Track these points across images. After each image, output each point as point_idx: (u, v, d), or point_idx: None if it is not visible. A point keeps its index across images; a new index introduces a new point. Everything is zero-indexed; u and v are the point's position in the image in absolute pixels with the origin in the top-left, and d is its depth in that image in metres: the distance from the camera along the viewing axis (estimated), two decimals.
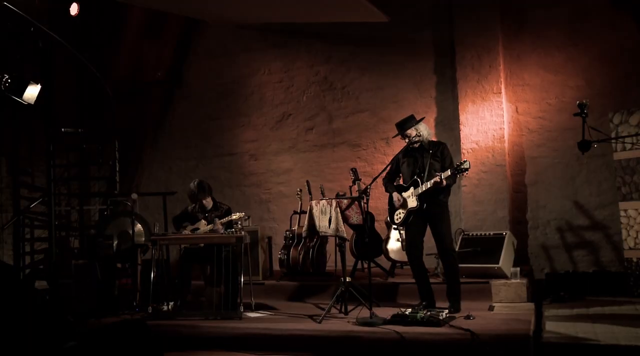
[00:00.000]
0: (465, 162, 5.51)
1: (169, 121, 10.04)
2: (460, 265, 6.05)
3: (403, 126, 5.91)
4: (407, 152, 5.93)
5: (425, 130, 5.89)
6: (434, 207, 5.73)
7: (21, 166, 8.66)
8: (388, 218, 6.90)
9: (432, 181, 5.59)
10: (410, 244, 5.89)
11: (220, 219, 6.57)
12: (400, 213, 5.89)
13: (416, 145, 5.84)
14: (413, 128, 5.87)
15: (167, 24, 9.46)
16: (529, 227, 7.77)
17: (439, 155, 5.82)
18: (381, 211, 8.17)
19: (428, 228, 5.88)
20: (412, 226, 5.85)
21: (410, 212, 5.79)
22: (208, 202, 6.75)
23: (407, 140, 5.87)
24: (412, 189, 5.80)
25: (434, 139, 5.99)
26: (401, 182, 6.06)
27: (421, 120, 5.97)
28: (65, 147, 8.88)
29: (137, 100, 9.55)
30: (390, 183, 6.10)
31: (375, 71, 8.80)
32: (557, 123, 7.71)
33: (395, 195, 5.93)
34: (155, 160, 10.08)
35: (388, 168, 6.03)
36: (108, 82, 8.58)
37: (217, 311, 6.12)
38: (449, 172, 5.56)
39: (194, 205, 6.86)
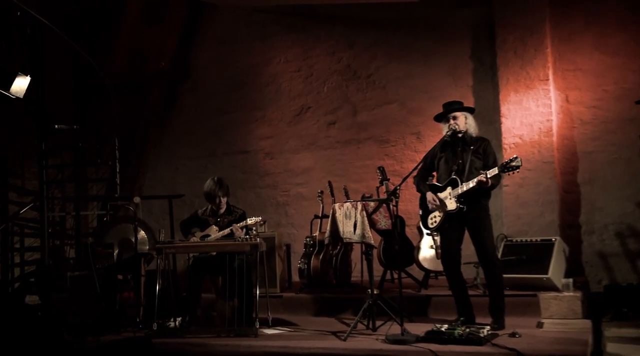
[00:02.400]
0: (515, 158, 5.39)
1: (175, 116, 10.08)
2: (504, 276, 5.94)
3: (452, 106, 5.83)
4: (446, 145, 5.83)
5: (473, 122, 5.81)
6: (475, 211, 5.63)
7: (9, 167, 8.72)
8: (420, 223, 6.80)
9: (476, 180, 5.48)
10: (447, 251, 5.80)
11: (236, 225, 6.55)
12: (435, 217, 5.79)
13: (459, 135, 5.74)
14: (462, 113, 5.79)
15: (171, 8, 9.47)
16: (583, 232, 7.63)
17: (482, 152, 5.70)
18: (412, 215, 8.10)
19: (466, 234, 5.79)
20: (449, 231, 5.76)
21: (447, 216, 5.70)
22: (223, 204, 6.74)
23: (448, 128, 5.77)
24: (449, 189, 5.70)
25: (476, 135, 5.85)
26: (434, 180, 5.97)
27: (473, 110, 5.89)
28: (59, 146, 8.91)
29: (139, 94, 9.59)
30: (423, 181, 6.00)
31: (404, 57, 8.75)
32: (616, 113, 7.57)
33: (429, 195, 5.83)
34: (159, 160, 10.12)
35: (421, 164, 5.95)
36: (106, 73, 8.61)
37: (230, 327, 6.09)
38: (496, 170, 5.45)
39: (204, 208, 6.86)
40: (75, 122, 8.72)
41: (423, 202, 5.95)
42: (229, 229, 6.54)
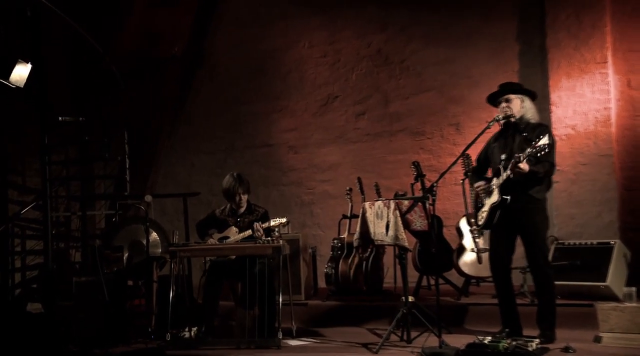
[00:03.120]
0: (546, 134, 5.25)
1: (190, 106, 10.11)
2: (555, 283, 5.83)
3: (506, 87, 5.71)
4: (501, 133, 5.75)
5: (531, 108, 5.66)
6: (524, 206, 5.49)
7: (9, 163, 8.79)
8: (466, 221, 6.76)
9: (510, 165, 5.38)
10: (495, 253, 5.71)
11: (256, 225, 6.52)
12: (483, 212, 5.72)
13: (512, 120, 5.62)
14: (518, 96, 5.67)
15: None
16: None
17: (535, 138, 5.55)
18: (450, 214, 8.06)
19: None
20: (499, 229, 5.66)
21: (493, 210, 5.61)
22: (243, 202, 6.72)
23: (501, 112, 5.66)
24: (494, 180, 5.62)
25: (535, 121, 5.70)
26: (489, 173, 5.88)
27: (533, 94, 5.77)
28: (63, 140, 8.98)
29: (150, 82, 9.61)
30: (475, 175, 5.92)
31: (443, 40, 8.68)
32: None
33: (479, 184, 5.76)
34: (173, 155, 10.16)
35: (477, 156, 5.90)
36: (114, 59, 8.62)
37: (251, 338, 6.08)
38: (527, 152, 5.31)
39: (223, 207, 6.86)
40: (81, 113, 8.76)
41: (475, 200, 5.88)
42: (250, 230, 6.51)
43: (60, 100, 9.08)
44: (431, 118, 8.72)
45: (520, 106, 5.64)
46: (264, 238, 6.36)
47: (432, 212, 5.81)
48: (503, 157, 5.52)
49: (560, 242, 7.03)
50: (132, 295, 7.08)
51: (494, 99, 5.79)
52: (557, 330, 5.57)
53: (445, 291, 6.96)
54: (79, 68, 9.53)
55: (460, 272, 7.10)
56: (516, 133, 5.60)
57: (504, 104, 5.67)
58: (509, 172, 5.41)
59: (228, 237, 6.66)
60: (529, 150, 5.28)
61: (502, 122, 5.66)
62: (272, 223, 6.47)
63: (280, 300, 6.22)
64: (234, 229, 6.68)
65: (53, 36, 8.77)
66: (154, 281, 7.05)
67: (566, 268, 6.56)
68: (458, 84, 8.56)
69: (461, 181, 7.01)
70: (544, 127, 5.60)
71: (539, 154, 5.25)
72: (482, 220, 5.69)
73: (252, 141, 9.71)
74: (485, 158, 5.87)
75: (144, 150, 9.68)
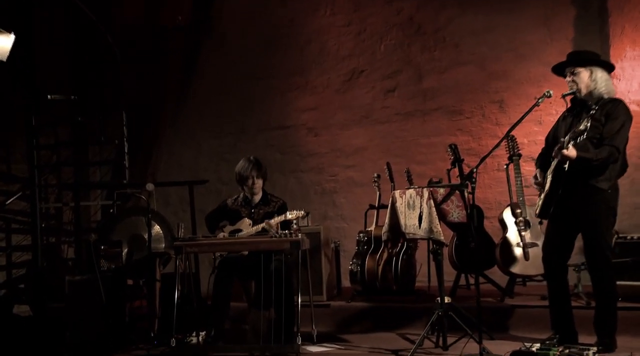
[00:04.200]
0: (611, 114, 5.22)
1: (196, 83, 10.14)
2: (616, 283, 5.77)
3: (574, 57, 5.62)
4: (569, 111, 5.68)
5: (603, 81, 5.54)
6: (583, 197, 5.43)
7: None
8: (510, 212, 6.74)
9: (555, 150, 5.30)
10: (549, 247, 5.66)
11: (271, 219, 6.51)
12: (539, 201, 5.68)
13: (578, 95, 5.55)
14: (587, 68, 5.58)
15: None
16: None
17: (603, 116, 5.45)
18: (493, 204, 8.05)
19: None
20: (555, 222, 5.61)
21: (547, 199, 5.55)
22: (257, 187, 6.73)
23: (569, 90, 5.59)
24: (553, 164, 5.55)
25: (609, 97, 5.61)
26: None
27: (608, 65, 5.66)
28: (53, 121, 9.01)
29: (151, 55, 9.66)
30: (540, 159, 5.84)
31: (484, 6, 8.63)
32: None
33: (535, 176, 5.71)
34: (178, 137, 10.21)
35: (546, 136, 5.82)
36: (113, 31, 8.64)
37: (266, 344, 6.10)
38: (569, 135, 5.24)
39: (235, 197, 6.88)
40: (73, 91, 8.78)
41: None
42: (265, 223, 6.50)
43: (58, 76, 9.12)
44: (470, 96, 8.68)
45: (589, 79, 5.52)
46: (280, 231, 6.35)
47: (471, 202, 5.77)
48: (565, 139, 5.42)
49: (621, 235, 6.90)
50: (132, 295, 7.14)
51: (561, 71, 5.70)
52: (617, 337, 5.51)
53: (486, 291, 6.97)
54: (78, 40, 9.56)
55: (504, 270, 7.06)
56: (583, 112, 5.51)
57: (568, 78, 5.58)
58: (555, 158, 5.36)
59: (240, 231, 6.67)
60: (570, 134, 5.23)
61: (568, 98, 5.58)
62: (290, 215, 6.46)
63: (299, 301, 6.18)
64: (247, 221, 6.69)
65: (49, 9, 8.79)
66: (157, 280, 7.06)
67: (628, 266, 6.49)
68: (501, 56, 8.51)
69: (505, 166, 6.99)
70: (616, 104, 5.46)
71: (578, 139, 5.21)
72: (538, 208, 5.65)
73: (266, 122, 9.73)
74: (554, 139, 5.74)
75: (145, 133, 9.74)
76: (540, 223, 6.72)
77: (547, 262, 5.69)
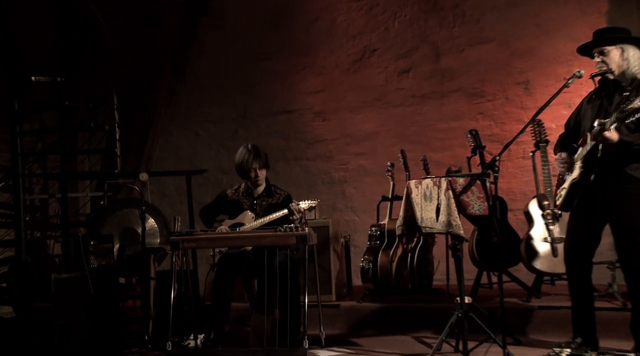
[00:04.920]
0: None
1: (193, 64, 10.16)
2: None
3: (603, 36, 5.54)
4: (597, 92, 5.63)
5: (636, 60, 5.49)
6: (616, 186, 5.38)
7: None
8: (537, 204, 6.73)
9: (593, 132, 5.24)
10: (571, 242, 5.62)
11: (274, 212, 6.51)
12: (562, 190, 5.65)
13: (609, 77, 5.51)
14: (617, 47, 5.53)
15: None
16: None
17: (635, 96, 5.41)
18: (517, 195, 8.05)
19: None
20: (580, 213, 5.55)
21: (572, 188, 5.52)
22: (260, 178, 6.71)
23: (598, 71, 5.55)
24: (580, 150, 5.52)
25: None
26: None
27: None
28: (38, 105, 9.02)
29: (145, 34, 9.63)
30: (560, 144, 5.80)
31: None
32: None
33: (560, 155, 5.65)
34: (174, 123, 10.23)
35: (567, 120, 5.78)
36: (100, 7, 8.62)
37: (270, 348, 6.07)
38: (614, 116, 5.19)
39: (235, 188, 6.87)
40: (60, 73, 8.76)
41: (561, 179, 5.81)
42: (272, 215, 6.50)
43: (42, 55, 9.11)
44: (492, 76, 8.69)
45: (620, 58, 5.46)
46: (302, 220, 6.34)
47: (493, 193, 5.76)
48: (596, 123, 5.35)
49: None
50: (124, 295, 7.15)
51: (588, 51, 5.65)
52: None
53: (510, 290, 6.99)
54: (65, 17, 9.55)
55: (530, 267, 7.05)
56: (615, 93, 5.45)
57: (597, 59, 5.53)
58: (593, 141, 5.30)
59: (242, 224, 6.64)
60: (616, 114, 5.16)
61: (597, 79, 5.53)
62: (302, 205, 6.44)
63: (306, 301, 6.17)
64: (249, 214, 6.67)
65: None
66: (152, 278, 7.09)
67: None
68: (524, 33, 8.50)
69: (531, 154, 6.96)
70: None
71: (629, 119, 5.13)
72: (560, 198, 5.61)
73: (270, 106, 9.74)
74: (576, 124, 5.71)
75: (138, 118, 9.76)
76: None
77: (569, 258, 5.63)
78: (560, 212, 6.74)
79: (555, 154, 5.78)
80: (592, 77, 5.55)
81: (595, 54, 5.51)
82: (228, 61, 9.94)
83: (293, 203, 6.44)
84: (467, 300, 5.85)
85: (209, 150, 9.90)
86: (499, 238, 7.02)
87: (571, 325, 5.79)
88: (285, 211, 6.47)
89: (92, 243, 7.30)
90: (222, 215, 6.83)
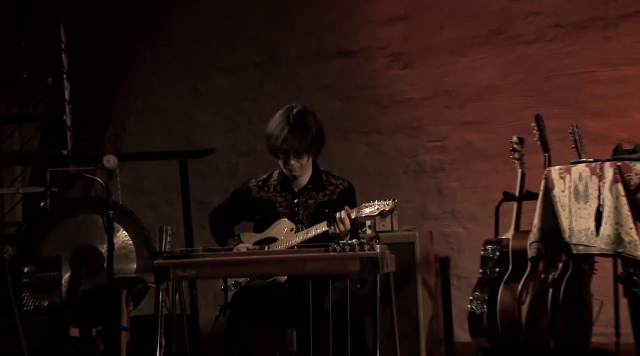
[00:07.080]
0: None
1: None
2: None
3: None
4: None
5: None
6: None
7: None
8: None
9: None
10: None
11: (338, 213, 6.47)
12: None
13: None
14: None
15: None
16: None
17: None
18: None
19: None
20: None
21: None
22: (300, 170, 6.65)
23: None
24: None
25: None
26: None
27: None
28: None
29: None
30: None
31: None
32: None
33: None
34: (157, 73, 10.38)
35: None
36: None
37: None
38: None
39: (266, 177, 6.86)
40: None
41: None
42: (319, 227, 6.45)
43: None
44: None
45: None
46: (346, 240, 6.31)
47: None
48: None
49: None
50: (78, 354, 7.17)
51: None
52: None
53: None
54: None
55: None
56: None
57: None
58: None
59: (275, 240, 6.66)
60: None
61: None
62: (367, 210, 6.40)
63: None
64: (286, 223, 6.65)
65: None
66: (124, 328, 7.16)
67: None
68: None
69: None
70: None
71: None
72: None
73: (316, 45, 9.84)
74: None
75: (100, 65, 9.77)
76: None
77: None
78: None
79: None
80: None
81: None
82: None
83: (347, 210, 6.29)
84: None
85: (215, 117, 9.97)
86: None
87: None
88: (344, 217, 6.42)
89: (25, 270, 7.34)
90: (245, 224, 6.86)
